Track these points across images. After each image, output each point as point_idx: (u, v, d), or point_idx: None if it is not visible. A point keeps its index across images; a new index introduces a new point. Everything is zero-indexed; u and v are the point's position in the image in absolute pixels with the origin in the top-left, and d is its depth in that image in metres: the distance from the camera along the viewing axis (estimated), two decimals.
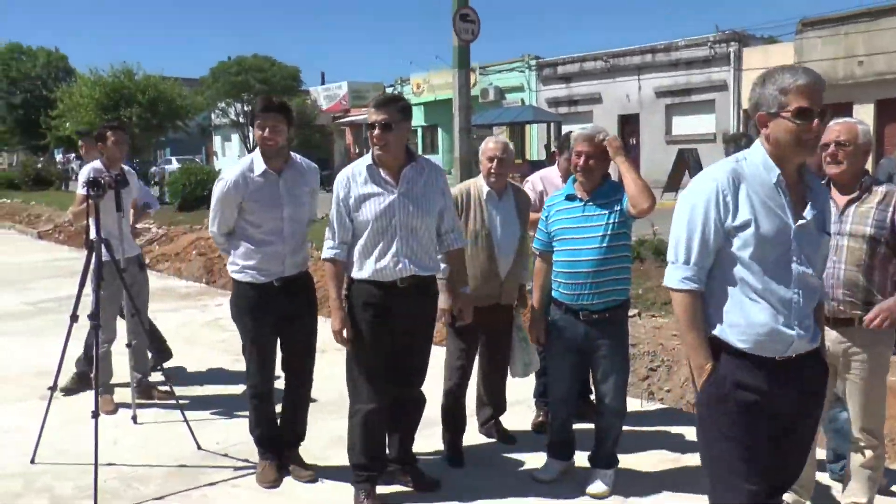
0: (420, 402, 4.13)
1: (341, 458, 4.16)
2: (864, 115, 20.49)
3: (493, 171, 4.41)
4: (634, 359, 6.12)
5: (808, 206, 2.52)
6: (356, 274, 3.84)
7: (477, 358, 4.68)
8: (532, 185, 5.06)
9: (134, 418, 5.08)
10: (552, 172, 5.04)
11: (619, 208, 3.85)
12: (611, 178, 4.02)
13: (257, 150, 4.10)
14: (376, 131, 3.70)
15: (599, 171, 3.90)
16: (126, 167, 5.46)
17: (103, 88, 22.72)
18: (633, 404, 5.21)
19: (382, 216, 3.75)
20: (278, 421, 4.37)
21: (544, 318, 4.17)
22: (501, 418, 4.92)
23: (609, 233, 3.83)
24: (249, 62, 41.47)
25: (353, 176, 3.83)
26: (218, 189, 4.09)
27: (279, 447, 4.33)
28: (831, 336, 3.37)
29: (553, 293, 4.03)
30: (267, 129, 3.98)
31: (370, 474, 3.95)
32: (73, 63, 50.09)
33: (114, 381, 5.55)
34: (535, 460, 4.42)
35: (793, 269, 2.49)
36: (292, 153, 4.24)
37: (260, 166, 4.07)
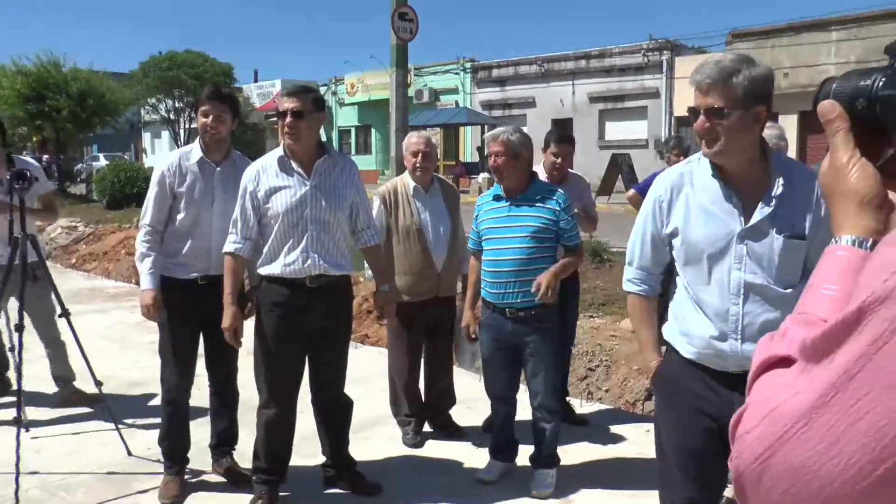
0: (345, 404, 4.05)
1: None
2: (789, 125, 21.16)
3: (417, 165, 4.49)
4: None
5: (759, 206, 2.31)
6: (265, 271, 3.71)
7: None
8: None
9: (25, 427, 4.60)
10: (539, 171, 4.87)
11: (548, 209, 3.87)
12: (537, 177, 4.05)
13: (198, 139, 3.97)
14: (288, 119, 3.58)
15: (511, 170, 3.89)
16: (31, 160, 5.15)
17: (27, 79, 21.86)
18: (573, 404, 5.24)
19: (294, 209, 3.63)
20: (191, 432, 4.15)
21: (473, 314, 4.23)
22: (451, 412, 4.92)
23: (533, 234, 3.84)
24: (181, 57, 40.47)
25: (264, 168, 3.70)
26: (155, 176, 3.94)
27: (186, 461, 4.13)
28: None
29: (482, 292, 4.06)
30: (211, 117, 3.85)
31: (269, 478, 3.84)
32: None
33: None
34: (483, 458, 4.38)
35: (733, 278, 2.32)
36: (235, 150, 4.10)
37: (197, 154, 3.93)
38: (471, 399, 5.15)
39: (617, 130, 28.43)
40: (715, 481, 2.52)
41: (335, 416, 4.04)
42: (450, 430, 4.84)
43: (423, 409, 4.86)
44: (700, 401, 2.42)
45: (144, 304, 3.83)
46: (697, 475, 2.47)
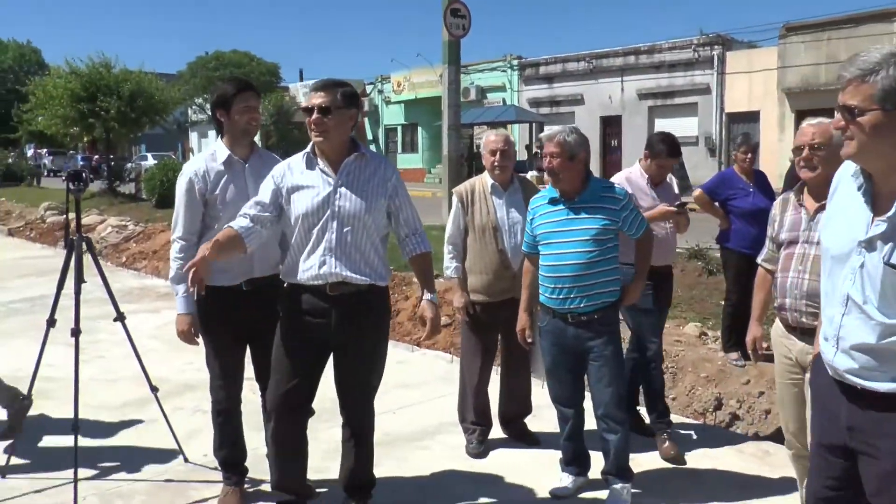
0: (362, 435, 3.67)
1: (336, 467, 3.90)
2: None
3: (496, 163, 4.42)
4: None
5: (875, 221, 2.13)
6: (287, 276, 3.50)
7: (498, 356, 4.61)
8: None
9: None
10: (636, 174, 4.72)
11: (609, 209, 3.77)
12: (593, 176, 3.91)
13: (219, 140, 3.81)
14: (314, 115, 3.32)
15: (567, 172, 3.77)
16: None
17: (79, 80, 22.15)
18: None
19: (315, 210, 3.38)
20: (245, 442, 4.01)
21: (528, 318, 4.11)
22: (528, 420, 4.78)
23: (594, 237, 3.73)
24: (228, 57, 41.09)
25: (290, 166, 3.50)
26: (181, 185, 3.71)
27: (244, 471, 4.00)
28: (797, 347, 3.23)
29: (540, 297, 3.93)
30: (250, 109, 3.72)
31: (285, 499, 3.70)
32: (46, 57, 49.33)
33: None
34: (551, 470, 4.20)
35: (843, 286, 2.18)
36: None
37: (223, 154, 3.73)
38: (537, 407, 4.96)
39: (666, 127, 27.51)
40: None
41: (353, 442, 3.67)
42: (524, 440, 4.69)
43: (500, 417, 4.74)
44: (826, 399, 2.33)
45: (180, 329, 3.72)
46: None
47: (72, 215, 4.24)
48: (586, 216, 3.76)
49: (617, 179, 4.54)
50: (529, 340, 4.12)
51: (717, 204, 6.15)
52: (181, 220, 3.69)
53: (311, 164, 3.44)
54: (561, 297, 3.78)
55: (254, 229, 3.38)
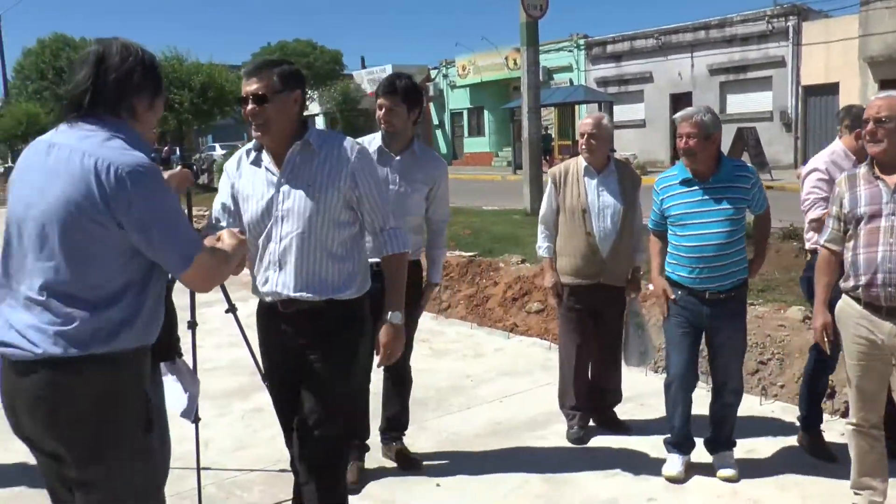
0: (327, 453, 2.98)
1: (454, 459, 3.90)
2: None
3: (583, 146, 4.44)
4: None
5: None
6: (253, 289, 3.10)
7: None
8: (821, 171, 4.04)
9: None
10: (839, 154, 4.13)
11: (742, 188, 3.84)
12: (724, 155, 3.91)
13: (381, 130, 3.99)
14: (249, 106, 2.82)
15: (704, 152, 3.80)
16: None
17: None
18: (751, 402, 4.87)
19: (260, 217, 2.92)
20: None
21: (663, 285, 4.03)
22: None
23: (731, 217, 3.79)
24: (291, 47, 41.46)
25: (240, 163, 3.05)
26: None
27: (363, 447, 4.13)
28: (885, 328, 3.10)
29: (671, 276, 3.97)
30: (384, 110, 3.89)
31: None
32: None
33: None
34: (655, 454, 4.16)
35: None
36: (416, 142, 4.03)
37: (376, 144, 3.94)
38: (641, 395, 4.86)
39: (739, 103, 27.16)
40: None
41: (309, 460, 3.01)
42: (614, 428, 4.63)
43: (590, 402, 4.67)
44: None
45: None
46: None
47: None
48: (723, 196, 3.80)
49: (818, 163, 4.11)
50: (673, 297, 3.95)
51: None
52: None
53: (256, 161, 2.99)
54: (700, 276, 3.83)
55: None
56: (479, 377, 5.56)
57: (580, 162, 4.49)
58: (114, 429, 2.15)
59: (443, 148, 38.83)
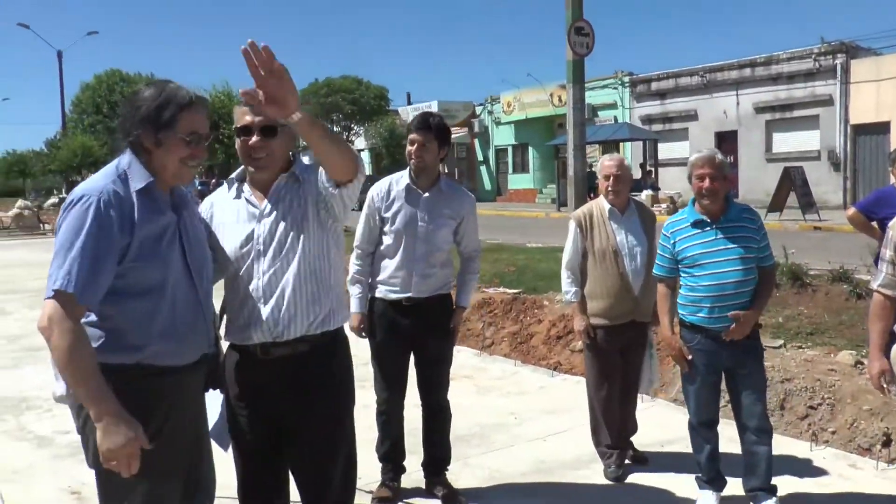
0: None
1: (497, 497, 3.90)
2: None
3: (609, 188, 4.48)
4: (791, 396, 5.71)
5: None
6: (223, 330, 2.81)
7: None
8: None
9: None
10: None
11: (751, 229, 3.88)
12: (731, 198, 3.99)
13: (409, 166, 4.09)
14: (254, 138, 2.64)
15: (723, 191, 3.86)
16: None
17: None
18: (800, 448, 4.79)
19: (240, 250, 2.71)
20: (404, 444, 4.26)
21: (677, 338, 4.02)
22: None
23: (743, 256, 3.82)
24: (338, 83, 42.14)
25: (218, 196, 2.88)
26: (366, 200, 4.09)
27: (399, 468, 4.24)
28: None
29: (688, 318, 3.94)
30: (416, 145, 3.97)
31: None
32: None
33: None
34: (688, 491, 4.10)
35: None
36: (444, 178, 4.14)
37: (405, 181, 4.03)
38: (674, 430, 4.81)
39: (785, 142, 26.90)
40: None
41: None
42: (633, 458, 4.66)
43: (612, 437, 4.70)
44: None
45: (351, 326, 3.91)
46: None
47: None
48: (735, 236, 3.84)
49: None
50: (689, 357, 3.97)
51: (874, 223, 5.82)
52: (359, 232, 4.10)
53: (237, 192, 2.81)
54: (718, 315, 3.80)
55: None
56: (522, 415, 5.55)
57: (602, 204, 4.55)
58: None
59: (487, 184, 38.99)
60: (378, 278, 4.07)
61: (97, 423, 2.17)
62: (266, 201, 2.70)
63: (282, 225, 2.68)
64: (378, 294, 4.08)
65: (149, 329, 2.31)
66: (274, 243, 2.67)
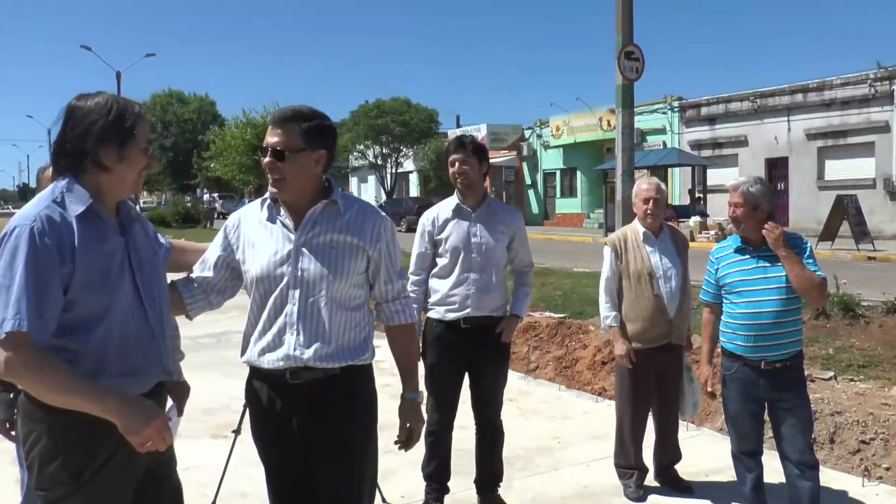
0: None
1: None
2: None
3: (648, 211, 4.55)
4: (842, 429, 5.58)
5: None
6: (244, 356, 2.76)
7: None
8: None
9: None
10: None
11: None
12: None
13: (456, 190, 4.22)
14: (266, 159, 2.63)
15: (750, 222, 3.84)
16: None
17: (254, 129, 23.64)
18: (852, 483, 4.68)
19: (273, 273, 2.66)
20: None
21: (711, 369, 4.12)
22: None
23: (787, 284, 3.78)
24: (388, 105, 42.64)
25: (248, 214, 2.82)
26: (418, 226, 4.26)
27: (443, 489, 4.30)
28: None
29: (727, 346, 3.95)
30: (457, 165, 4.10)
31: None
32: (220, 109, 53.27)
33: None
34: None
35: None
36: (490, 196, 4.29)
37: (453, 202, 4.17)
38: (712, 456, 4.75)
39: (838, 169, 26.38)
40: None
41: None
42: (677, 486, 4.68)
43: (654, 465, 4.80)
44: None
45: None
46: None
47: None
48: (777, 264, 3.81)
49: None
50: (710, 390, 4.12)
51: None
52: (413, 258, 4.22)
53: (271, 215, 2.74)
54: (755, 344, 3.80)
55: (197, 295, 2.77)
56: (566, 439, 5.53)
57: (637, 228, 4.63)
58: None
59: (535, 208, 38.95)
60: (432, 300, 4.16)
61: (111, 419, 2.09)
62: (302, 226, 2.65)
63: (320, 254, 2.64)
64: (434, 315, 4.16)
65: (101, 360, 2.18)
66: (311, 271, 2.62)
